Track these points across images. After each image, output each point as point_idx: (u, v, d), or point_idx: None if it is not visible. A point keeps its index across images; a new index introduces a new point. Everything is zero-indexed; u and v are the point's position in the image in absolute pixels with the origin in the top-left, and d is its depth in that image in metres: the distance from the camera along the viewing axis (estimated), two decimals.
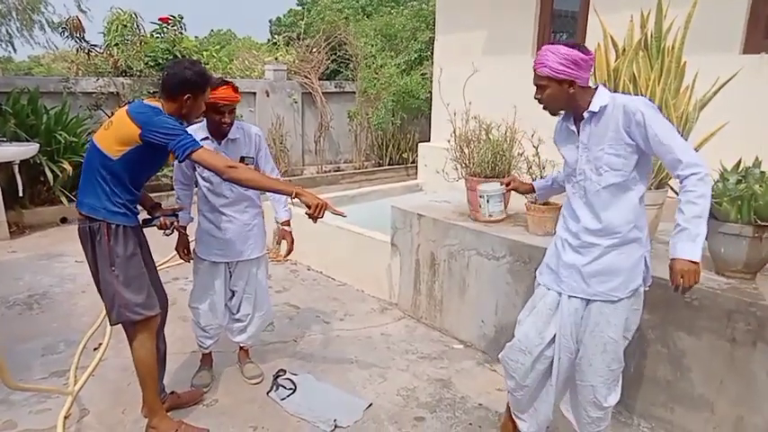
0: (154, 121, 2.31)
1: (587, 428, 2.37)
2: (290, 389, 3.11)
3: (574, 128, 2.22)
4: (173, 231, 2.81)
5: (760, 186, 2.50)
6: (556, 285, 2.30)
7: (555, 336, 2.30)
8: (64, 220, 6.46)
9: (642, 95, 2.72)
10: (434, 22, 7.35)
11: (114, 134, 2.38)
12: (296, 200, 2.49)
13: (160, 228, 2.76)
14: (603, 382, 2.26)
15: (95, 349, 3.52)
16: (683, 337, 2.62)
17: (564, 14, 5.73)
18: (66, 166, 6.13)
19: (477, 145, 3.66)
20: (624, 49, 2.83)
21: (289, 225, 3.23)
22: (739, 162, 2.69)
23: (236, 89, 2.84)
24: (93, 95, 7.12)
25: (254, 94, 8.89)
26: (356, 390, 3.15)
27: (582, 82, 2.12)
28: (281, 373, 3.23)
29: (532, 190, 2.79)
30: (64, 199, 6.28)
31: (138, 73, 7.49)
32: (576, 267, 2.22)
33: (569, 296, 2.25)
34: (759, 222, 2.50)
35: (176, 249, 3.19)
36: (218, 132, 2.89)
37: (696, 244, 2.02)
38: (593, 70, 2.23)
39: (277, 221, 3.27)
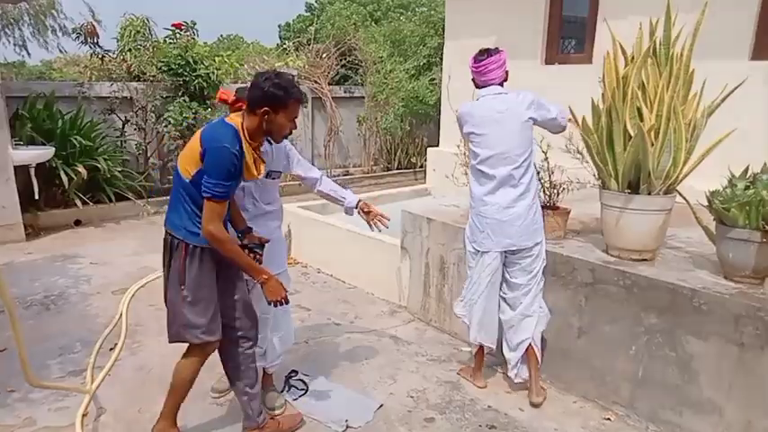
0: (217, 149, 2.26)
1: None
2: (303, 389, 3.16)
3: None
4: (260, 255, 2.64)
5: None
6: (494, 243, 3.06)
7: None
8: (78, 223, 6.56)
9: (650, 104, 2.77)
10: (443, 28, 7.42)
11: (189, 153, 2.34)
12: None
13: (251, 249, 2.62)
14: None
15: (111, 349, 3.59)
16: (692, 341, 2.65)
17: (573, 21, 5.78)
18: (81, 169, 6.23)
19: None
20: (633, 57, 2.86)
21: (366, 205, 3.09)
22: (747, 168, 2.72)
23: None
24: (108, 100, 7.23)
25: None
26: (367, 391, 3.20)
27: (479, 82, 3.05)
28: (293, 374, 3.28)
29: None
30: (78, 202, 6.38)
31: (150, 78, 7.60)
32: (504, 228, 3.04)
33: (497, 253, 3.06)
34: (767, 228, 2.52)
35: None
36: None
37: None
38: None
39: (351, 210, 3.10)
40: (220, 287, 2.53)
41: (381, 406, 3.04)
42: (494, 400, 3.12)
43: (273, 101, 2.32)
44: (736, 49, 4.16)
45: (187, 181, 2.33)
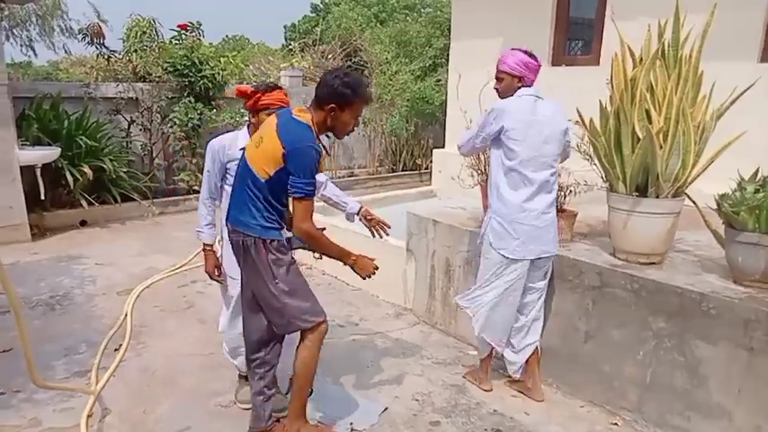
0: (302, 149, 2.30)
1: None
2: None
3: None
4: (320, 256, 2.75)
5: None
6: (525, 252, 2.98)
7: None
8: (83, 223, 6.58)
9: (659, 106, 2.74)
10: (449, 29, 7.40)
11: (263, 154, 2.36)
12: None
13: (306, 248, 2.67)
14: None
15: (116, 350, 3.59)
16: (700, 345, 2.62)
17: (580, 22, 5.75)
18: (87, 169, 6.25)
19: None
20: (641, 59, 2.84)
21: (367, 212, 3.15)
22: (757, 171, 2.69)
23: (286, 93, 2.87)
24: (113, 101, 7.25)
25: None
26: (371, 394, 3.18)
27: (528, 81, 2.94)
28: None
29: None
30: (84, 202, 6.39)
31: (156, 79, 7.62)
32: (539, 235, 2.98)
33: (528, 261, 2.99)
34: None
35: (207, 271, 3.07)
36: None
37: None
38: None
39: (352, 216, 3.15)
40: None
41: (386, 409, 3.03)
42: (499, 404, 3.10)
43: (341, 98, 2.37)
44: (745, 51, 4.13)
45: (263, 181, 2.38)
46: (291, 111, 2.43)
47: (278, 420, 2.78)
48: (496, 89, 2.99)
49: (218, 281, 3.09)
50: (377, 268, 2.65)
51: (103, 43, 7.91)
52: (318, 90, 2.41)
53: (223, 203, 2.99)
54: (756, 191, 2.58)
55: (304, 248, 2.63)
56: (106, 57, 7.91)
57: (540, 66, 2.98)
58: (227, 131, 3.14)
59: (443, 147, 7.53)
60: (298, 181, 2.32)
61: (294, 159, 2.31)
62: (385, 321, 4.21)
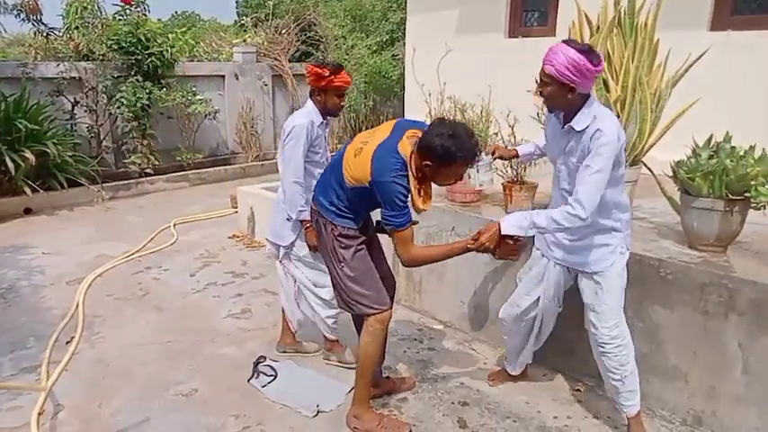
0: (384, 184, 2.26)
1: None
2: (271, 375, 3.08)
3: (562, 128, 2.34)
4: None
5: (731, 161, 2.54)
6: (547, 252, 2.61)
7: (540, 297, 2.69)
8: (28, 211, 6.24)
9: (617, 75, 2.74)
10: (405, 2, 7.27)
11: (355, 167, 2.35)
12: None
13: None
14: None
15: (68, 343, 3.42)
16: (658, 310, 2.67)
17: None
18: (29, 155, 5.90)
19: None
20: (598, 27, 2.82)
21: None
22: (710, 138, 2.73)
23: (349, 74, 2.92)
24: (55, 81, 6.84)
25: (223, 77, 8.68)
26: (338, 374, 3.15)
27: (583, 90, 2.18)
28: (261, 360, 3.20)
29: (516, 156, 2.88)
30: (27, 189, 6.05)
31: (100, 57, 7.24)
32: (559, 242, 2.53)
33: (555, 263, 2.58)
34: (730, 196, 2.54)
35: (310, 245, 3.01)
36: (334, 114, 3.03)
37: (523, 224, 2.29)
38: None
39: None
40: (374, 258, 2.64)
41: (353, 389, 2.99)
42: (465, 377, 3.11)
43: (439, 157, 2.22)
44: (696, 20, 4.18)
45: (348, 186, 2.40)
46: (400, 139, 2.31)
47: (388, 377, 3.04)
48: (540, 92, 2.29)
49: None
50: (517, 249, 2.39)
51: (41, 20, 7.43)
52: (422, 138, 2.26)
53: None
54: (710, 157, 2.62)
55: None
56: (45, 34, 7.45)
57: (599, 71, 2.17)
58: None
59: None
60: (386, 213, 2.32)
61: (379, 192, 2.30)
62: None
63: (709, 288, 2.51)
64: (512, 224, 2.29)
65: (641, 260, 2.70)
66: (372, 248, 2.67)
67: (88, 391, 2.95)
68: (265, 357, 3.24)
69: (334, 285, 2.64)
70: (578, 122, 2.22)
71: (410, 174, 2.29)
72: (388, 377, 3.02)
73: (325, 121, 3.00)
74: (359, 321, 2.73)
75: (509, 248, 2.36)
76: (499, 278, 3.37)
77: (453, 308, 3.69)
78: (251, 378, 3.06)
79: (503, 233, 2.29)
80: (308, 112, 2.93)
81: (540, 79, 2.22)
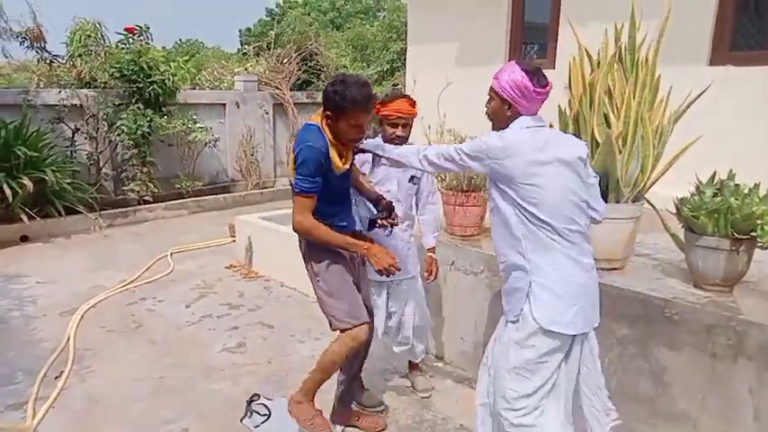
0: (299, 152, 2.36)
1: None
2: (265, 414, 2.98)
3: None
4: (391, 232, 2.70)
5: (735, 199, 2.50)
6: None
7: None
8: (24, 239, 6.18)
9: (617, 110, 2.72)
10: (406, 33, 7.34)
11: (290, 161, 2.46)
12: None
13: (379, 226, 2.67)
14: None
15: (57, 378, 3.33)
16: (664, 351, 2.60)
17: (534, 26, 5.77)
18: (27, 182, 5.87)
19: None
20: (599, 62, 2.81)
21: (433, 252, 3.16)
22: (714, 175, 2.69)
23: (412, 103, 2.85)
24: (56, 108, 6.87)
25: (224, 105, 8.74)
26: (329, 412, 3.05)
27: (521, 109, 2.15)
28: (254, 398, 3.10)
29: None
30: (24, 216, 6.01)
31: (102, 85, 7.28)
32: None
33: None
34: (736, 235, 2.49)
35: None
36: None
37: None
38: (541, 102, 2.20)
39: (423, 246, 3.20)
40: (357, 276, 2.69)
41: (344, 430, 2.90)
42: (465, 418, 3.01)
43: (333, 106, 2.35)
44: (695, 55, 4.19)
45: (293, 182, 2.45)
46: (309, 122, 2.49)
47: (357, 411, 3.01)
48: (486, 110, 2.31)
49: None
50: (397, 267, 2.46)
51: (44, 47, 7.50)
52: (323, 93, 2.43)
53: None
54: (714, 195, 2.57)
55: (377, 226, 2.66)
56: (48, 61, 7.50)
57: (545, 93, 2.15)
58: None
59: None
60: (297, 177, 2.38)
61: (296, 157, 2.37)
62: None
63: (717, 330, 2.44)
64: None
65: (646, 299, 2.64)
66: (349, 263, 2.66)
67: (76, 430, 2.85)
68: (259, 395, 3.14)
69: (318, 301, 2.66)
70: None
71: (327, 138, 2.39)
72: (357, 411, 3.00)
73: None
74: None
75: (383, 257, 2.45)
76: (499, 314, 3.29)
77: (453, 345, 3.60)
78: (244, 417, 2.96)
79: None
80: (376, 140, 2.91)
81: (488, 94, 2.26)
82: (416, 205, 3.15)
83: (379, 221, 2.64)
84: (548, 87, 2.15)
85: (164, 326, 4.13)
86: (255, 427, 2.89)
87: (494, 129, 2.28)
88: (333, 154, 2.42)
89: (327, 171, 2.41)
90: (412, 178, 2.97)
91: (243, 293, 4.78)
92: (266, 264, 5.24)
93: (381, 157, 2.59)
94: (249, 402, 3.06)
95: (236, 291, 4.85)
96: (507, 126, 2.18)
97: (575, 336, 2.15)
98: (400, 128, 2.87)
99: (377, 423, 2.94)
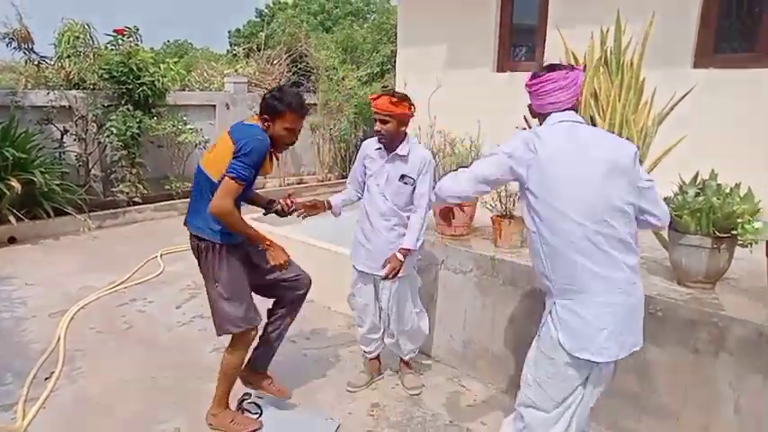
0: (251, 139, 2.51)
1: None
2: (256, 413, 3.00)
3: None
4: (292, 212, 3.04)
5: (717, 199, 2.56)
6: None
7: None
8: (12, 240, 6.14)
9: (603, 112, 2.78)
10: (396, 36, 7.38)
11: (216, 156, 2.58)
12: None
13: (280, 213, 3.02)
14: None
15: (47, 379, 3.33)
16: (649, 347, 2.65)
17: (523, 29, 5.84)
18: (15, 183, 5.83)
19: (442, 159, 3.66)
20: (585, 66, 2.87)
21: (405, 254, 2.97)
22: (696, 175, 2.76)
23: (395, 102, 2.88)
24: (44, 109, 6.82)
25: (214, 106, 8.72)
26: (325, 411, 3.08)
27: (535, 107, 2.20)
28: (246, 398, 3.12)
29: (328, 207, 3.20)
30: (12, 218, 5.96)
31: (91, 86, 7.24)
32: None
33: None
34: (717, 234, 2.56)
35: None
36: (380, 142, 3.02)
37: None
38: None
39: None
40: (255, 274, 2.82)
41: (339, 426, 2.93)
42: (455, 415, 3.06)
43: (271, 110, 2.59)
44: (679, 57, 4.26)
45: (216, 181, 2.54)
46: (244, 120, 2.70)
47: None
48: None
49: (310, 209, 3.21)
50: (288, 260, 2.74)
51: (32, 48, 7.45)
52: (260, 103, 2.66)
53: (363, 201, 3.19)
54: (697, 194, 2.64)
55: (277, 212, 3.03)
56: (36, 63, 7.46)
57: (540, 82, 2.14)
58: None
59: None
60: (236, 163, 2.48)
61: (245, 146, 2.49)
62: (337, 334, 4.10)
63: (699, 326, 2.50)
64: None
65: None
66: (249, 266, 2.79)
67: (66, 431, 2.86)
68: (250, 394, 3.15)
69: (211, 307, 2.76)
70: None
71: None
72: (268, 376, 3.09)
73: (381, 149, 3.07)
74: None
75: (280, 254, 2.69)
76: (488, 312, 3.35)
77: (443, 343, 3.64)
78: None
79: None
80: (373, 139, 3.15)
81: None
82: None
83: (279, 208, 3.01)
84: (539, 78, 2.12)
85: (154, 327, 4.13)
86: None
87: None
88: (268, 156, 2.62)
89: (258, 169, 2.58)
90: (402, 177, 2.99)
91: None
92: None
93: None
94: (240, 401, 3.08)
95: None
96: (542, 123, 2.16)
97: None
98: (379, 123, 2.94)
99: (283, 391, 3.06)
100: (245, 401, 3.08)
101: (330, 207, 3.20)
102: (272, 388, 3.02)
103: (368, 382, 3.36)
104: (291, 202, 3.05)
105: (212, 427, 2.85)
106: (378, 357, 3.42)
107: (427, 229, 3.82)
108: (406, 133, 3.01)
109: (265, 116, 2.61)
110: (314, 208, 3.12)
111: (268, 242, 2.70)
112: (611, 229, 1.95)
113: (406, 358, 3.37)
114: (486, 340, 3.38)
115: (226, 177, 2.49)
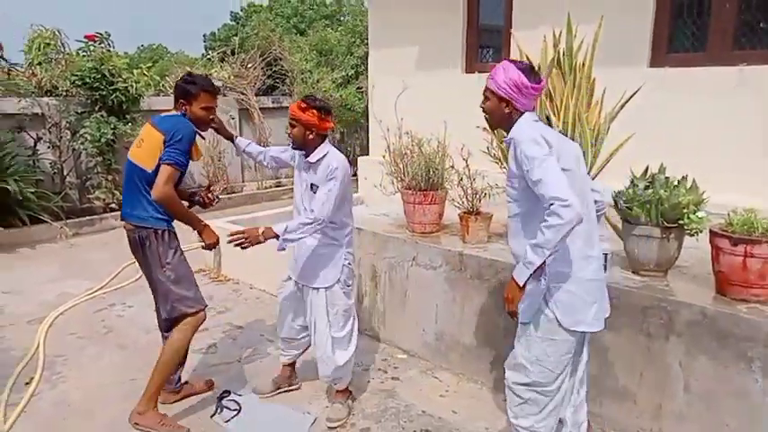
0: (181, 129, 2.68)
1: None
2: (235, 410, 3.09)
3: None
4: (217, 200, 3.27)
5: (665, 191, 2.73)
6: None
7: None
8: None
9: (558, 112, 2.93)
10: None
11: (146, 148, 2.72)
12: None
13: (204, 204, 3.20)
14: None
15: (27, 384, 3.38)
16: (606, 334, 2.79)
17: (490, 30, 5.99)
18: None
19: (410, 159, 3.78)
20: (539, 67, 3.02)
21: (265, 235, 2.73)
22: (647, 169, 2.92)
23: (302, 108, 2.82)
24: (16, 117, 6.80)
25: None
26: (302, 407, 3.18)
27: (520, 106, 2.18)
28: (224, 395, 3.21)
29: (232, 138, 3.34)
30: None
31: (64, 93, 7.23)
32: None
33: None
34: (666, 224, 2.72)
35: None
36: (293, 147, 3.01)
37: (523, 267, 2.07)
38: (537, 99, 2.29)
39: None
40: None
41: (316, 420, 3.04)
42: (427, 405, 3.18)
43: (185, 94, 2.78)
44: (636, 57, 4.43)
45: (150, 171, 2.69)
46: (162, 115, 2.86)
47: (187, 383, 3.26)
48: (482, 107, 2.32)
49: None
50: (217, 241, 2.94)
51: (1, 56, 7.41)
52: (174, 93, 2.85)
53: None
54: (646, 187, 2.80)
55: (199, 203, 3.19)
56: (6, 70, 7.41)
57: (540, 89, 2.22)
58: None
59: (368, 154, 7.59)
60: (173, 150, 2.65)
61: (177, 135, 2.66)
62: None
63: (651, 311, 2.66)
64: (515, 276, 2.13)
65: None
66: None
67: None
68: (230, 392, 3.25)
69: (156, 293, 2.92)
70: (513, 131, 2.20)
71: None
72: (186, 382, 3.26)
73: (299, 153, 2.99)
74: (170, 327, 2.97)
75: (211, 235, 2.89)
76: (458, 306, 3.48)
77: (416, 336, 3.77)
78: (214, 414, 3.07)
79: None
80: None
81: (483, 94, 2.26)
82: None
83: (201, 198, 3.18)
84: (542, 84, 2.21)
85: (134, 331, 4.19)
86: (226, 421, 3.00)
87: (492, 127, 2.56)
88: (195, 140, 2.80)
89: (189, 155, 2.75)
90: (311, 186, 2.87)
91: (212, 296, 4.86)
92: (235, 267, 5.33)
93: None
94: (220, 398, 3.17)
95: (205, 294, 4.88)
96: (509, 123, 2.21)
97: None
98: (289, 126, 2.88)
99: (209, 385, 3.28)
100: (225, 398, 3.17)
101: (233, 139, 3.33)
102: (198, 387, 3.25)
103: (272, 392, 3.24)
104: (211, 193, 3.25)
105: (137, 427, 2.80)
106: (292, 365, 3.31)
107: (399, 227, 3.96)
108: (321, 141, 2.87)
109: (182, 101, 2.78)
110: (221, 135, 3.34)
111: (203, 224, 2.90)
112: (592, 211, 2.25)
113: (326, 382, 3.12)
114: (456, 332, 3.51)
115: (163, 165, 2.64)
